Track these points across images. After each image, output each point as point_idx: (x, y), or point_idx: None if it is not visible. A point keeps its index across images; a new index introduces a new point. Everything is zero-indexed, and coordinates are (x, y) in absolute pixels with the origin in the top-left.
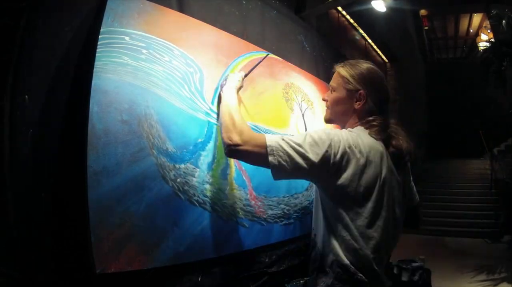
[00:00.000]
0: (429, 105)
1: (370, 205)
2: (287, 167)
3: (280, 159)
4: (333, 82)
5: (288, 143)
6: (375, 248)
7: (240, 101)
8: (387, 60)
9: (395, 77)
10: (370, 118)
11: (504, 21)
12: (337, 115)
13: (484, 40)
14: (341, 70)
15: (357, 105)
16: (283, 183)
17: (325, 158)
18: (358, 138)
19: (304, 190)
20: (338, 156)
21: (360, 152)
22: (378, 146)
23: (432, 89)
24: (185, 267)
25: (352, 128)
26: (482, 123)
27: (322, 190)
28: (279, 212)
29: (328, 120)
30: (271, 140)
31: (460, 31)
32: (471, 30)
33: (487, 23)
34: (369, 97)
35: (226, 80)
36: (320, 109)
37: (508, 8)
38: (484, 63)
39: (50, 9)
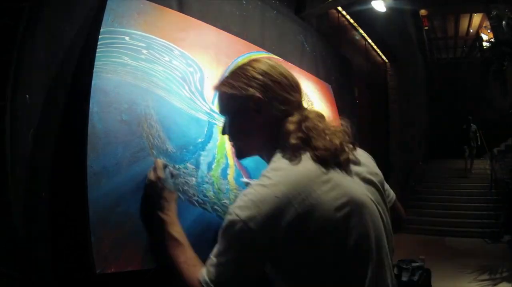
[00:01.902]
0: (429, 105)
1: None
2: None
3: None
4: (220, 110)
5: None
6: None
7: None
8: (387, 60)
9: (395, 77)
10: (284, 133)
11: (504, 21)
12: (246, 145)
13: (484, 40)
14: (222, 87)
15: (258, 118)
16: None
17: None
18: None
19: None
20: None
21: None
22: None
23: (432, 89)
24: None
25: (273, 160)
26: (482, 123)
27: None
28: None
29: (240, 157)
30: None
31: (460, 31)
32: (471, 30)
33: (487, 23)
34: (270, 98)
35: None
36: (319, 109)
37: (508, 8)
38: (484, 63)
39: (50, 9)
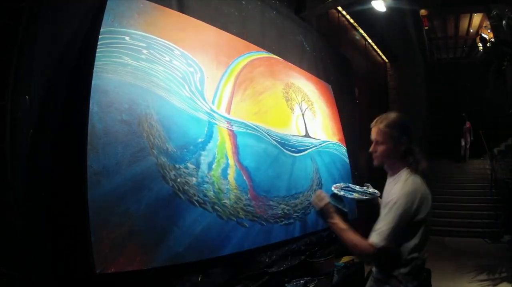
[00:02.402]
0: (429, 105)
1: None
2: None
3: None
4: (378, 137)
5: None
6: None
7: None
8: (387, 60)
9: (395, 77)
10: (411, 159)
11: (504, 21)
12: (386, 160)
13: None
14: (382, 126)
15: (402, 148)
16: (283, 182)
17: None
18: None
19: (304, 190)
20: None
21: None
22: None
23: (432, 89)
24: (185, 267)
25: (401, 171)
26: (482, 123)
27: None
28: (279, 212)
29: (378, 166)
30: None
31: (460, 31)
32: (471, 30)
33: (487, 23)
34: (406, 136)
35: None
36: (319, 109)
37: (508, 8)
38: (484, 63)
39: (50, 9)
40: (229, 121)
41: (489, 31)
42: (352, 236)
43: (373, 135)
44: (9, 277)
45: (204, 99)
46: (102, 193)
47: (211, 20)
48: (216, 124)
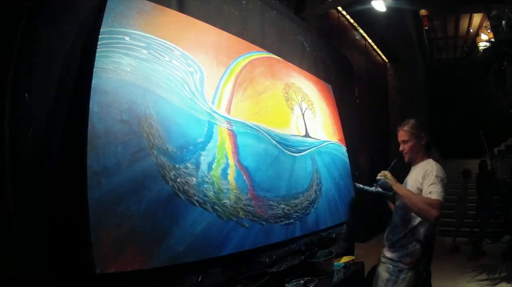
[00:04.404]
0: (429, 105)
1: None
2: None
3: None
4: (404, 137)
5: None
6: None
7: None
8: (387, 60)
9: (395, 77)
10: (430, 151)
11: (504, 21)
12: (413, 154)
13: (484, 40)
14: (406, 128)
15: (423, 142)
16: (283, 182)
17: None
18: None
19: (304, 190)
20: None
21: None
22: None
23: (432, 89)
24: (185, 267)
25: (428, 160)
26: (482, 123)
27: None
28: (279, 212)
29: (408, 161)
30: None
31: (460, 31)
32: (471, 30)
33: (487, 23)
34: (424, 133)
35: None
36: (319, 109)
37: (508, 8)
38: (484, 63)
39: (50, 9)
40: (229, 121)
41: (489, 31)
42: (419, 197)
43: (400, 137)
44: (9, 277)
45: (204, 99)
46: (102, 193)
47: (211, 20)
48: (216, 124)
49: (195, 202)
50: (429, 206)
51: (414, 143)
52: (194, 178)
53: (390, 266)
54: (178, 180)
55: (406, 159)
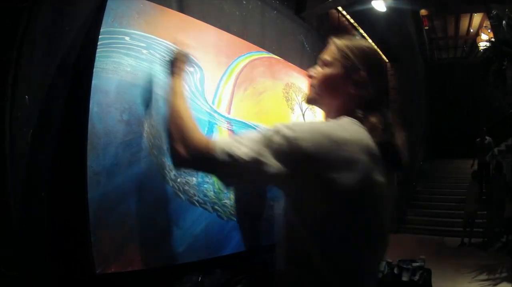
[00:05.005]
0: (429, 105)
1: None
2: None
3: None
4: (326, 55)
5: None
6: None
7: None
8: (387, 60)
9: (395, 77)
10: (369, 114)
11: (504, 21)
12: (325, 96)
13: (484, 40)
14: (339, 43)
15: (353, 89)
16: None
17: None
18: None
19: None
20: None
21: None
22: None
23: (432, 89)
24: (185, 267)
25: (337, 118)
26: (482, 123)
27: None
28: (279, 212)
29: (311, 100)
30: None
31: (460, 31)
32: (471, 30)
33: (487, 23)
34: (370, 82)
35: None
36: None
37: (508, 8)
38: (484, 63)
39: (50, 9)
40: (229, 121)
41: (489, 31)
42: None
43: (322, 54)
44: (9, 277)
45: (204, 99)
46: (102, 193)
47: (211, 20)
48: (216, 124)
49: (196, 202)
50: (191, 139)
51: (337, 76)
52: (194, 178)
53: None
54: (179, 180)
55: (308, 97)
